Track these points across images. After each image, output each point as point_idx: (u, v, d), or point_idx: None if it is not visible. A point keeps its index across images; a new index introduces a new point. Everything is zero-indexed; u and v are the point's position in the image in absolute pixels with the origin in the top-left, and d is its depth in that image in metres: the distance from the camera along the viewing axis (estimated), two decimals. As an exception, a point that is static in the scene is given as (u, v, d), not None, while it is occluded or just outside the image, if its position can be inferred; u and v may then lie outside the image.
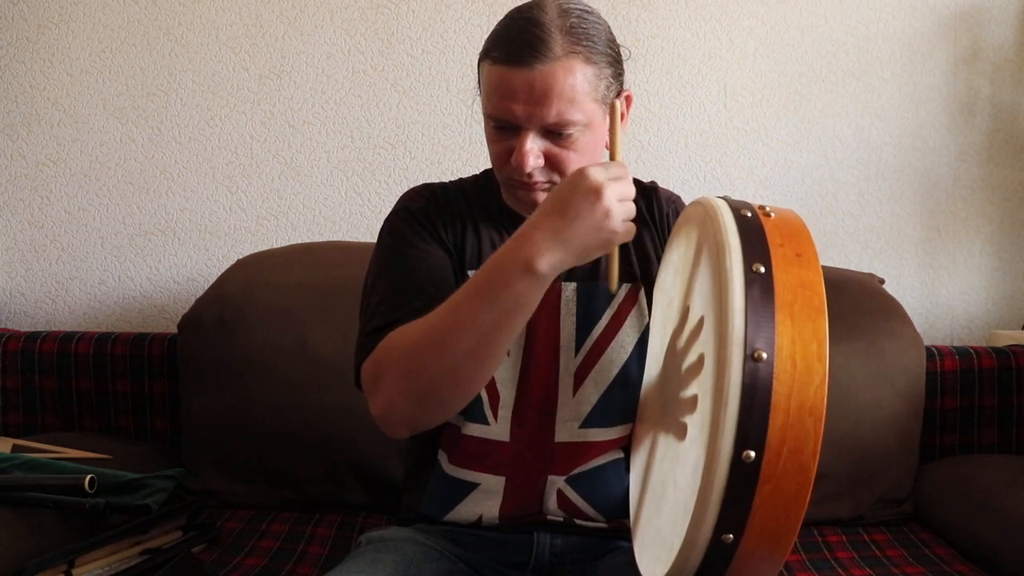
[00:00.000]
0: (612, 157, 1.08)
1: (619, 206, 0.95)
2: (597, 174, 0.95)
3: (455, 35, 2.07)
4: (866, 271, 2.00)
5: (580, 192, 0.94)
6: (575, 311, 1.21)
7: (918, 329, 1.83)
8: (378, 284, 1.18)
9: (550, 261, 0.94)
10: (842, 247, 2.11)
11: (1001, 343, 1.97)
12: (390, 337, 1.07)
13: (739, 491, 0.76)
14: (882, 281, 1.94)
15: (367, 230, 2.10)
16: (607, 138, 1.19)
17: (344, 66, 2.08)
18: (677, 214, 1.29)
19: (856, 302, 1.80)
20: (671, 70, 2.09)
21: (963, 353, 1.85)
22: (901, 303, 1.86)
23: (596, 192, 0.93)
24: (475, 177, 1.32)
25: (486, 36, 1.14)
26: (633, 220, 0.99)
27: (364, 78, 2.08)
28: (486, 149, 1.19)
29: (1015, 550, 1.47)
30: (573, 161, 1.12)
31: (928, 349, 1.83)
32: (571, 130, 1.10)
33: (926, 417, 1.80)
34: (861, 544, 1.65)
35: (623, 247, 1.12)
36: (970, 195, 2.11)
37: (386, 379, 1.05)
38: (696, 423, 0.85)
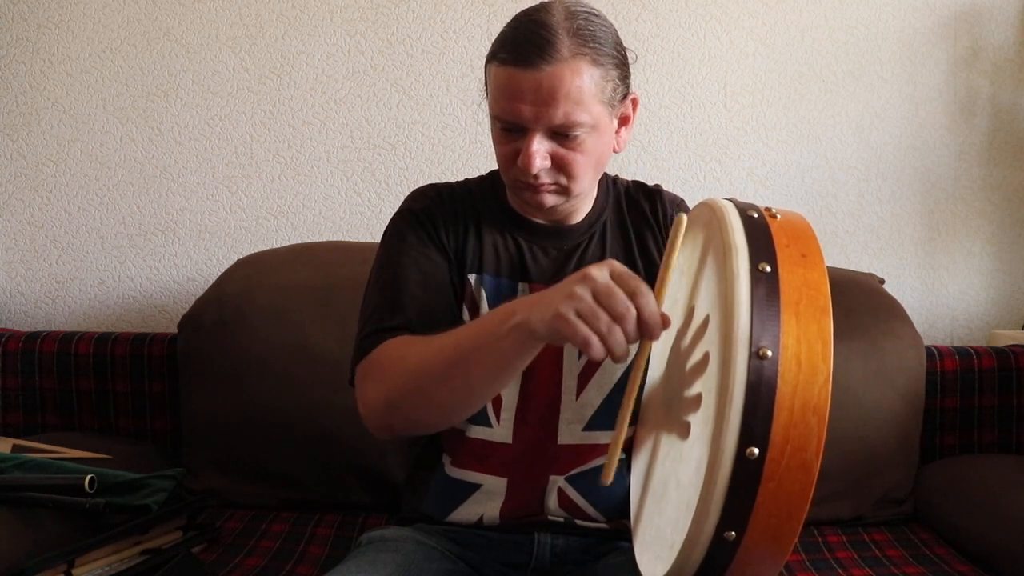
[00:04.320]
0: (660, 276, 0.95)
1: (585, 296, 0.86)
2: (607, 263, 0.88)
3: (455, 35, 2.07)
4: (866, 271, 2.01)
5: (580, 270, 0.89)
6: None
7: (918, 329, 1.83)
8: (376, 286, 1.19)
9: (522, 316, 0.93)
10: (842, 247, 2.12)
11: (1001, 343, 1.97)
12: (382, 348, 1.10)
13: (742, 488, 0.76)
14: (882, 281, 1.94)
15: (367, 230, 2.10)
16: (614, 141, 1.18)
17: (344, 66, 2.08)
18: None
19: (856, 302, 1.80)
20: (671, 70, 2.09)
21: (963, 353, 1.85)
22: (901, 303, 1.87)
23: (581, 276, 0.87)
24: (481, 178, 1.32)
25: (486, 36, 1.14)
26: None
27: (364, 78, 2.08)
28: (486, 150, 1.19)
29: (1015, 550, 1.47)
30: (580, 163, 1.13)
31: (928, 349, 1.83)
32: (577, 131, 1.10)
33: (926, 417, 1.81)
34: (861, 544, 1.65)
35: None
36: (970, 195, 2.11)
37: (368, 386, 1.10)
38: (700, 421, 0.85)
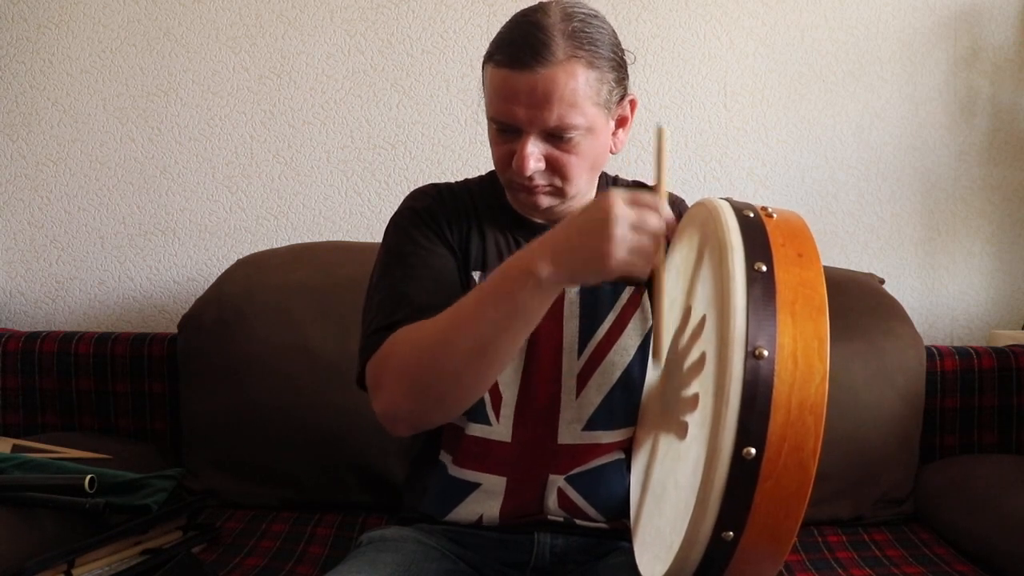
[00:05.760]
0: (656, 185, 1.04)
1: (626, 234, 0.90)
2: (615, 196, 0.91)
3: (455, 35, 2.07)
4: (866, 271, 2.00)
5: (591, 211, 0.92)
6: (578, 313, 1.21)
7: (918, 329, 1.83)
8: (382, 283, 1.18)
9: (546, 273, 0.94)
10: (842, 247, 2.11)
11: (1001, 343, 1.97)
12: (395, 337, 1.08)
13: (739, 488, 0.76)
14: (882, 281, 1.94)
15: (367, 230, 2.10)
16: (611, 142, 1.19)
17: (344, 66, 2.08)
18: (679, 216, 1.29)
19: (856, 302, 1.80)
20: (671, 70, 2.09)
21: (963, 353, 1.85)
22: (901, 303, 1.87)
23: (603, 212, 0.90)
24: (481, 178, 1.32)
25: (486, 37, 1.14)
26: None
27: (364, 78, 2.08)
28: (486, 150, 1.19)
29: (1015, 550, 1.47)
30: (574, 165, 1.13)
31: (928, 349, 1.83)
32: (572, 134, 1.10)
33: (926, 417, 1.80)
34: (861, 544, 1.65)
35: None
36: (970, 195, 2.11)
37: (389, 378, 1.07)
38: (697, 421, 0.85)
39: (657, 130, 0.99)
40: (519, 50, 1.08)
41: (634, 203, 0.91)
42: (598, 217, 0.90)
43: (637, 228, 0.90)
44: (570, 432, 1.21)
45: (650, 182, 1.33)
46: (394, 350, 1.07)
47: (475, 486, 1.22)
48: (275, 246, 2.00)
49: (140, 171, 2.10)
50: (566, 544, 1.23)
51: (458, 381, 1.04)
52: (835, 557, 1.59)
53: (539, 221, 1.24)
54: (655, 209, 0.92)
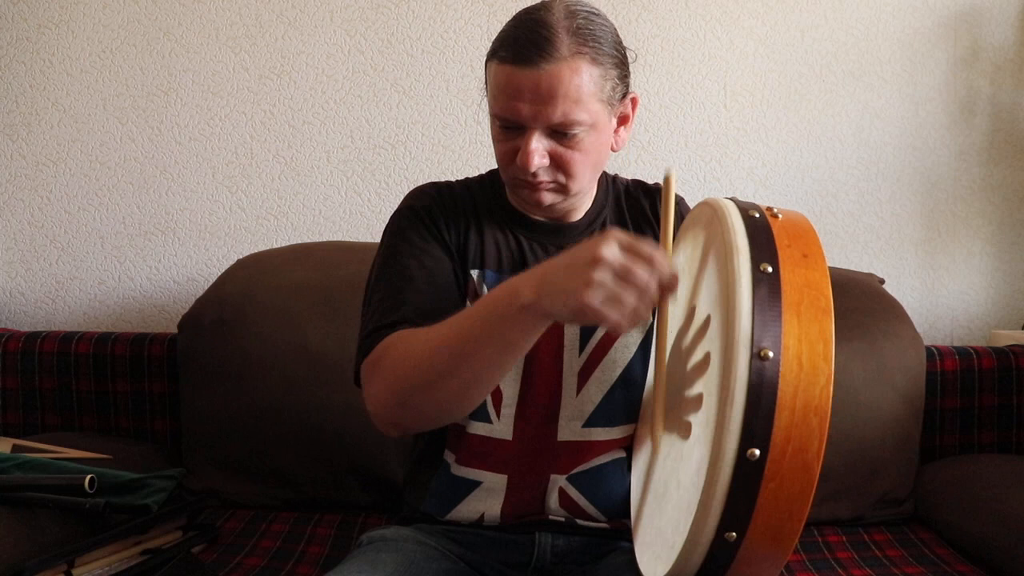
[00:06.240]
0: (661, 236, 0.98)
1: (606, 280, 0.83)
2: (611, 239, 0.85)
3: (455, 35, 2.07)
4: (866, 271, 2.01)
5: (584, 247, 0.86)
6: (580, 311, 1.20)
7: (918, 329, 1.83)
8: (379, 283, 1.19)
9: (528, 298, 0.90)
10: (842, 247, 2.12)
11: (1001, 343, 1.97)
12: (387, 342, 1.09)
13: (743, 489, 0.76)
14: (882, 281, 1.94)
15: (367, 230, 2.10)
16: (612, 140, 1.19)
17: (344, 66, 2.08)
18: (681, 217, 1.29)
19: (856, 302, 1.80)
20: (671, 70, 2.09)
21: (963, 353, 1.85)
22: (901, 303, 1.87)
23: (592, 252, 0.84)
24: (481, 177, 1.32)
25: (486, 36, 1.15)
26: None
27: (364, 78, 2.08)
28: (486, 149, 1.19)
29: (1015, 550, 1.47)
30: (578, 161, 1.13)
31: (928, 349, 1.83)
32: (576, 130, 1.10)
33: (926, 417, 1.81)
34: (861, 544, 1.65)
35: None
36: (970, 195, 2.11)
37: (379, 383, 1.08)
38: (701, 421, 0.85)
39: (665, 175, 0.94)
40: (523, 47, 1.08)
41: (629, 250, 0.85)
42: (586, 256, 0.84)
43: (622, 278, 0.84)
44: (570, 429, 1.21)
45: (649, 181, 1.35)
46: (384, 357, 1.08)
47: (476, 484, 1.22)
48: (275, 246, 2.00)
49: (140, 171, 2.10)
50: (567, 544, 1.24)
51: (444, 401, 1.04)
52: (835, 557, 1.59)
53: (539, 219, 1.24)
54: (650, 262, 0.84)
